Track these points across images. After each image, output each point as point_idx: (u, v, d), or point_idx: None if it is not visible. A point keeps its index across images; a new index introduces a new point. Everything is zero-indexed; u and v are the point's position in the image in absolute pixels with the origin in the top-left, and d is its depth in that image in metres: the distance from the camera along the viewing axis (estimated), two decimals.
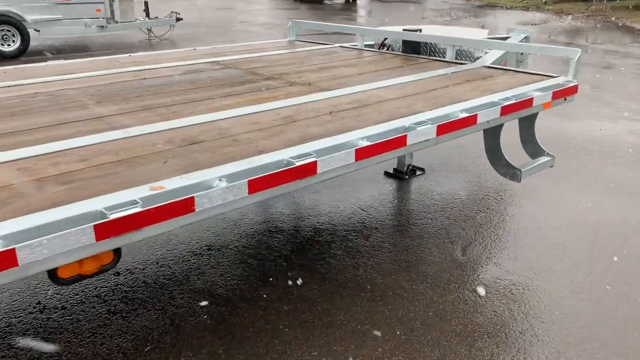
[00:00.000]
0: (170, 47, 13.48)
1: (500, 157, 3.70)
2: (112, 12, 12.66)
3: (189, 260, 3.61)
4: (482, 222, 4.18)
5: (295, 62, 4.32)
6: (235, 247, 3.80)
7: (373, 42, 5.33)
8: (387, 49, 5.04)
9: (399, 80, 3.61)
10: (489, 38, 5.69)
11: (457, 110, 2.94)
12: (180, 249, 3.75)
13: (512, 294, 3.27)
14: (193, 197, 1.87)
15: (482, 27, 17.42)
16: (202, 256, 3.67)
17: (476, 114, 2.93)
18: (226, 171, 2.04)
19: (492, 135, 3.77)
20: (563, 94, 3.50)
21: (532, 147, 3.94)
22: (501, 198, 4.60)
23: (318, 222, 4.17)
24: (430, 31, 4.92)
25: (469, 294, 3.26)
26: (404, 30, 4.76)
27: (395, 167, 5.17)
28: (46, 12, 11.58)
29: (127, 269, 3.50)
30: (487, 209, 4.42)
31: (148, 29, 13.94)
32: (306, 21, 5.57)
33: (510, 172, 3.63)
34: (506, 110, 3.09)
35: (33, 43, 13.00)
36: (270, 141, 2.42)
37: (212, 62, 4.29)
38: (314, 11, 21.71)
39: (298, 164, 2.17)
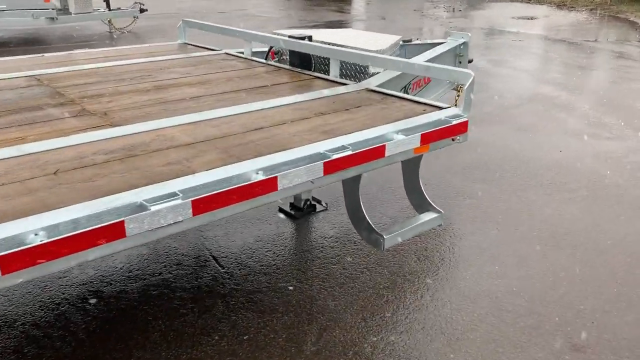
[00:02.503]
0: (132, 40, 12.60)
1: (361, 217, 2.75)
2: (65, 2, 11.79)
3: None
4: (362, 288, 3.25)
5: (135, 77, 3.40)
6: (22, 324, 2.91)
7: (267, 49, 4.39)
8: (279, 60, 4.09)
9: (227, 112, 2.69)
10: (405, 43, 4.75)
11: (252, 169, 2.01)
12: None
13: None
14: None
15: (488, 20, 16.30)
16: None
17: (276, 177, 1.99)
18: None
19: (350, 187, 2.82)
20: (443, 134, 2.55)
21: (417, 199, 2.99)
22: (400, 249, 3.66)
23: (152, 285, 3.27)
24: (327, 37, 3.96)
25: None
26: (289, 36, 3.80)
27: (292, 201, 4.25)
28: None
29: None
30: (379, 265, 3.48)
31: (108, 20, 13.04)
32: (195, 20, 4.65)
33: (373, 237, 2.68)
34: (333, 167, 2.15)
35: None
36: None
37: (30, 76, 3.39)
38: (304, 2, 20.62)
39: None
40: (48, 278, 3.31)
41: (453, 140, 2.71)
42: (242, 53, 4.19)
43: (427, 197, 2.92)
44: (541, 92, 7.97)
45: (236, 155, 2.13)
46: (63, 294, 3.18)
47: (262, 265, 3.48)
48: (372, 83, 3.27)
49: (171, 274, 3.38)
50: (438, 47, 4.57)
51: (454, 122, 2.58)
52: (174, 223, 1.78)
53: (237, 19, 15.91)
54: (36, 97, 2.94)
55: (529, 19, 17.18)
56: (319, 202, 4.31)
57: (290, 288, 3.24)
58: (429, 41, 4.90)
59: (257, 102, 2.86)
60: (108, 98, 2.94)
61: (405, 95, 2.99)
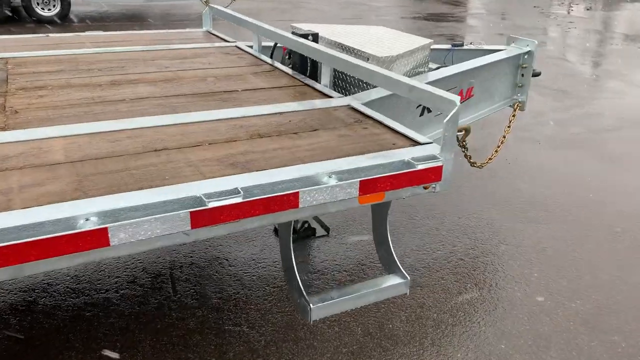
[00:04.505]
0: (226, 22, 12.57)
1: (292, 275, 2.13)
2: None
3: None
4: (321, 348, 2.64)
5: (105, 68, 3.03)
6: None
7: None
8: (288, 59, 3.51)
9: (145, 122, 2.20)
10: (455, 47, 3.98)
11: (84, 213, 1.51)
12: None
13: None
14: None
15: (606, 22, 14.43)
16: None
17: (106, 228, 1.47)
18: None
19: (283, 234, 2.21)
20: (398, 182, 1.86)
21: (384, 255, 2.31)
22: (391, 302, 2.98)
23: (90, 304, 2.90)
24: (341, 36, 3.32)
25: None
26: (293, 33, 3.22)
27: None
28: None
29: None
30: (355, 320, 2.84)
31: (205, 1, 13.11)
32: (218, 7, 4.20)
33: (301, 303, 2.06)
34: (208, 218, 1.59)
35: (87, 8, 12.77)
36: None
37: (2, 58, 3.13)
38: None
39: None
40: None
41: (425, 188, 2.02)
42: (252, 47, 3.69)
43: (394, 254, 2.25)
44: None
45: (84, 190, 1.64)
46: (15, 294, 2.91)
47: (220, 298, 2.99)
48: (361, 98, 2.62)
49: (118, 293, 3.00)
50: (492, 54, 3.75)
51: (419, 168, 1.89)
52: None
53: (336, 5, 15.42)
54: None
55: None
56: (323, 224, 3.73)
57: (234, 334, 2.72)
58: (485, 47, 4.07)
59: (194, 112, 2.34)
60: (46, 92, 2.58)
61: (386, 121, 2.31)
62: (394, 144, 2.08)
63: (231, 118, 2.30)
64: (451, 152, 1.98)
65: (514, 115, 3.97)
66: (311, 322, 2.03)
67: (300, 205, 1.73)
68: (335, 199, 1.79)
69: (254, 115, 2.35)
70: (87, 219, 1.50)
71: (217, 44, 3.79)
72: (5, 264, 1.39)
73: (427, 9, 15.73)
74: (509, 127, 3.96)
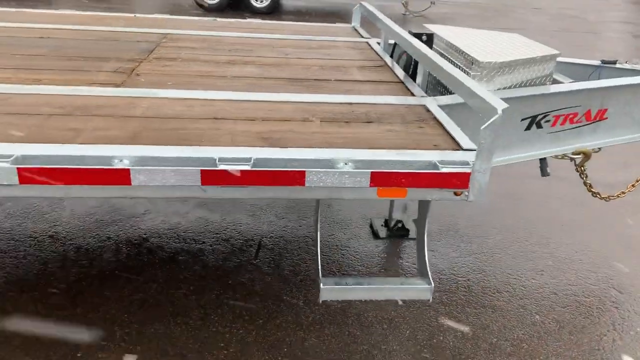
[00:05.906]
0: (418, 24, 12.69)
1: (316, 253, 2.20)
2: None
3: None
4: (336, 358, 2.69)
5: (235, 50, 3.40)
6: (69, 241, 3.32)
7: None
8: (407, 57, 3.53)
9: (220, 95, 2.47)
10: (605, 64, 3.59)
11: (118, 155, 1.82)
12: None
13: None
14: None
15: None
16: None
17: (128, 170, 1.76)
18: None
19: (315, 217, 2.29)
20: (414, 181, 1.84)
21: (419, 255, 2.26)
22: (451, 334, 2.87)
23: (186, 251, 3.32)
24: (462, 39, 3.24)
25: None
26: (409, 32, 3.22)
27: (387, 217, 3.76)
28: None
29: None
30: (401, 345, 2.81)
31: (405, 2, 13.35)
32: (367, 5, 4.33)
33: (317, 282, 2.12)
34: (217, 179, 1.79)
35: (297, 3, 13.90)
36: None
37: (165, 34, 3.72)
38: None
39: None
40: (132, 213, 3.67)
41: (457, 195, 1.95)
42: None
43: (426, 258, 2.18)
44: None
45: (134, 138, 1.95)
46: (121, 230, 3.50)
47: (291, 271, 3.19)
48: (444, 100, 2.56)
49: (211, 247, 3.38)
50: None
51: (442, 171, 1.83)
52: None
53: (546, 16, 14.40)
54: (126, 50, 3.21)
55: None
56: None
57: (289, 305, 2.90)
58: (626, 66, 3.56)
59: (272, 93, 2.55)
60: (173, 63, 3.02)
61: (448, 124, 2.22)
62: (435, 145, 2.05)
63: (301, 102, 2.46)
64: (487, 161, 1.88)
65: None
66: (320, 301, 2.12)
67: (306, 184, 1.83)
68: (343, 185, 1.85)
69: (323, 102, 2.47)
70: (120, 160, 1.80)
71: (349, 39, 3.96)
72: (54, 182, 1.75)
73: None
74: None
